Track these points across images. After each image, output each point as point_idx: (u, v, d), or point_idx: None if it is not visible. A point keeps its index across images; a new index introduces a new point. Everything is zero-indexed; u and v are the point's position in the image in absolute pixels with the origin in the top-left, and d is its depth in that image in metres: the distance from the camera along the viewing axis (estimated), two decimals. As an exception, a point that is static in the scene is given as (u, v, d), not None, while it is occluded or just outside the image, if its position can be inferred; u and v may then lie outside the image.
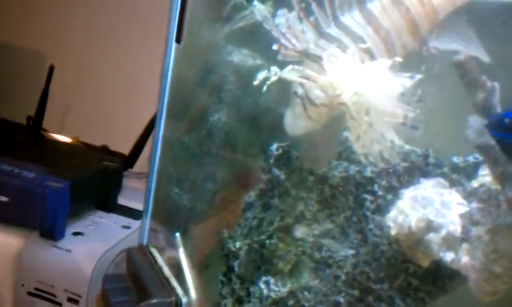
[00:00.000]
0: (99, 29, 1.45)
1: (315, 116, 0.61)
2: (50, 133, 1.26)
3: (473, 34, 0.60)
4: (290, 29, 0.61)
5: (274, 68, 0.60)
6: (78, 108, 1.48)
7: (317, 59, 0.60)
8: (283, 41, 0.61)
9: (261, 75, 0.59)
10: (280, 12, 0.62)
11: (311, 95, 0.60)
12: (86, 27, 1.47)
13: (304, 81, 0.60)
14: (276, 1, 0.64)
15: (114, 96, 1.44)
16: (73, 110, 1.48)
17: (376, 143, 0.56)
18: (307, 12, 0.61)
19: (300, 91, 0.61)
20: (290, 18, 0.61)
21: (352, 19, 0.61)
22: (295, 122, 0.63)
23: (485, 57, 0.57)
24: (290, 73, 0.59)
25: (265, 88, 0.60)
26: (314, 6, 0.61)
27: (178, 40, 0.79)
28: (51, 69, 1.23)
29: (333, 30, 0.61)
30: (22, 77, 1.51)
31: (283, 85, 0.62)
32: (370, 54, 0.59)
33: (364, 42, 0.59)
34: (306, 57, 0.60)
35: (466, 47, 0.59)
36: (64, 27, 1.49)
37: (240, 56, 0.88)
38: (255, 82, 0.59)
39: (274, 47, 0.61)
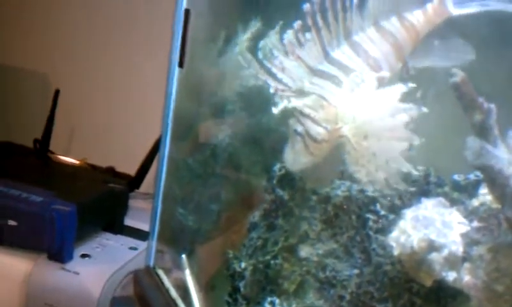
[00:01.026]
0: (104, 53, 1.47)
1: (317, 151, 0.62)
2: (57, 156, 1.28)
3: (451, 46, 0.61)
4: (283, 71, 0.62)
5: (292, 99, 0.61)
6: (84, 130, 1.49)
7: (313, 96, 0.61)
8: (274, 83, 0.62)
9: (281, 106, 0.60)
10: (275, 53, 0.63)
11: (311, 132, 0.60)
12: (92, 51, 1.48)
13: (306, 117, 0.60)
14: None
15: (119, 118, 1.45)
16: (79, 133, 1.50)
17: (380, 171, 0.57)
18: (298, 51, 0.62)
19: (300, 128, 0.61)
20: (283, 60, 0.62)
21: (343, 53, 0.62)
22: (296, 159, 0.63)
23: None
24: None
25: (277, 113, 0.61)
26: (305, 45, 0.62)
27: (181, 65, 0.81)
28: (57, 93, 1.25)
29: (325, 66, 0.62)
30: (29, 100, 1.53)
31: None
32: (363, 83, 0.60)
33: (356, 73, 0.61)
34: (303, 95, 0.61)
35: (442, 60, 0.61)
36: (70, 50, 1.51)
37: (242, 77, 0.89)
38: (276, 111, 0.60)
39: (271, 90, 0.62)
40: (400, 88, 0.56)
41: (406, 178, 0.62)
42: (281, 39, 0.64)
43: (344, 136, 0.59)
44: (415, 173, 0.62)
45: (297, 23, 0.62)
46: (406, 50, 0.64)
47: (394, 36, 0.63)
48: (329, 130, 0.59)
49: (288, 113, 0.60)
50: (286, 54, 0.63)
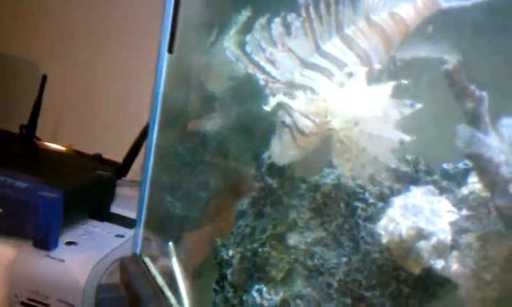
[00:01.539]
0: (92, 38, 1.45)
1: (304, 144, 0.61)
2: (43, 142, 1.26)
3: (440, 37, 0.62)
4: (272, 63, 0.61)
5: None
6: (71, 117, 1.48)
7: (303, 89, 0.60)
8: (264, 76, 0.61)
9: (274, 101, 0.59)
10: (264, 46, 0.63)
11: (299, 125, 0.60)
12: (79, 37, 1.47)
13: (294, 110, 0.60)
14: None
15: (107, 104, 1.44)
16: (66, 119, 1.48)
17: (368, 166, 0.57)
18: (289, 43, 0.62)
19: (288, 120, 0.60)
20: (272, 52, 0.62)
21: (334, 46, 0.62)
22: (283, 151, 0.62)
23: (453, 57, 0.57)
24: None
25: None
26: (297, 38, 0.62)
27: (170, 50, 0.80)
28: (44, 78, 1.23)
29: (316, 59, 0.62)
30: (15, 86, 1.51)
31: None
32: (354, 77, 0.59)
33: (347, 66, 0.60)
34: (293, 87, 0.61)
35: (429, 51, 0.61)
36: (58, 36, 1.49)
37: (232, 65, 0.88)
38: (268, 108, 0.59)
39: (261, 82, 0.61)
40: (391, 83, 0.56)
41: (394, 172, 0.62)
42: (270, 29, 0.63)
43: (333, 130, 0.59)
44: (403, 169, 0.63)
45: (291, 16, 0.61)
46: (395, 42, 0.64)
47: (383, 29, 0.63)
48: (318, 123, 0.59)
49: (277, 105, 0.59)
50: (275, 45, 0.62)
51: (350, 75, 0.59)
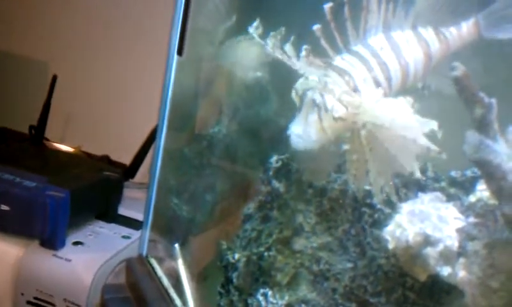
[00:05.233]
0: (102, 41, 1.46)
1: (329, 129, 0.59)
2: (52, 143, 1.27)
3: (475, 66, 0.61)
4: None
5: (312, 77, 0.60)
6: (80, 118, 1.48)
7: (341, 72, 0.60)
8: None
9: (311, 77, 0.58)
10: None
11: (329, 107, 0.58)
12: (89, 38, 1.47)
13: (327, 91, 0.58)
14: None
15: (115, 106, 1.45)
16: (75, 120, 1.49)
17: (381, 176, 0.57)
18: (339, 26, 0.60)
19: (319, 99, 0.59)
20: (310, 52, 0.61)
21: (378, 43, 0.61)
22: (306, 130, 0.60)
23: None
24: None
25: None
26: (347, 23, 0.60)
27: (179, 52, 0.80)
28: (54, 79, 1.24)
29: (359, 48, 0.61)
30: (25, 86, 1.52)
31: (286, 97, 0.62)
32: (389, 80, 0.59)
33: (386, 67, 0.60)
34: (331, 68, 0.60)
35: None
36: (68, 37, 1.50)
37: (241, 68, 0.88)
38: (300, 85, 0.58)
39: (303, 53, 0.60)
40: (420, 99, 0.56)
41: (402, 180, 0.62)
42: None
43: (359, 124, 0.58)
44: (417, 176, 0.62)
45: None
46: (434, 60, 0.64)
47: (428, 44, 0.63)
48: (348, 112, 0.58)
49: (310, 82, 0.58)
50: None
51: (389, 78, 0.59)
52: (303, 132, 0.60)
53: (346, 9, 0.59)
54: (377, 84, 0.59)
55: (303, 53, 0.60)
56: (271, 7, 0.75)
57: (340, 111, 0.58)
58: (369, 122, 0.57)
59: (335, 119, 0.58)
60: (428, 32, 0.63)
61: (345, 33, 0.61)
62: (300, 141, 0.60)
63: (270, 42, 0.61)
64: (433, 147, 0.54)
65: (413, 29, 0.63)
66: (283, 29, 0.61)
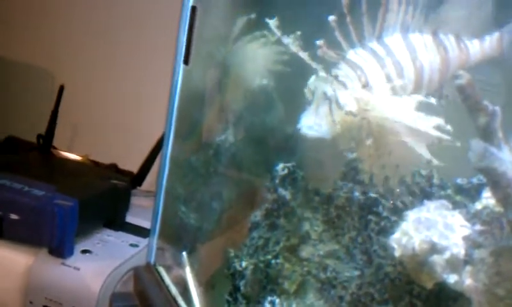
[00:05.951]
0: (109, 49, 1.47)
1: (339, 122, 0.60)
2: (60, 152, 1.28)
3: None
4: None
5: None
6: (87, 127, 1.49)
7: (353, 66, 0.60)
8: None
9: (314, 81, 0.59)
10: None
11: (341, 100, 0.59)
12: (96, 47, 1.49)
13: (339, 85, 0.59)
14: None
15: (123, 115, 1.46)
16: (82, 129, 1.50)
17: (385, 169, 0.57)
18: (355, 21, 0.60)
19: (330, 92, 0.59)
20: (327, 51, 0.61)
21: (394, 42, 0.61)
22: (317, 122, 0.60)
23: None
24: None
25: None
26: (364, 19, 0.60)
27: (186, 62, 0.81)
28: (61, 88, 1.25)
29: (374, 45, 0.61)
30: (33, 95, 1.53)
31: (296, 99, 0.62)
32: (401, 79, 0.59)
33: (400, 66, 0.60)
34: (344, 61, 0.61)
35: None
36: (75, 46, 1.51)
37: (247, 76, 0.89)
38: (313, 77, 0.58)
39: (318, 43, 0.59)
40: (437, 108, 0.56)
41: (408, 188, 0.62)
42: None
43: (368, 121, 0.58)
44: (420, 180, 0.62)
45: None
46: (451, 68, 0.63)
47: (447, 50, 0.62)
48: (359, 107, 0.58)
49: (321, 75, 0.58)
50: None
51: (402, 77, 0.59)
52: (314, 123, 0.61)
53: (364, 4, 0.59)
54: (390, 82, 0.59)
55: (318, 44, 0.60)
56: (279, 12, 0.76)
57: (350, 105, 0.59)
58: (379, 117, 0.57)
59: (346, 112, 0.59)
60: (449, 39, 0.63)
61: (361, 28, 0.61)
62: (311, 131, 0.61)
63: (289, 38, 0.61)
64: (445, 136, 0.54)
65: (433, 34, 0.63)
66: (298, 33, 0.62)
